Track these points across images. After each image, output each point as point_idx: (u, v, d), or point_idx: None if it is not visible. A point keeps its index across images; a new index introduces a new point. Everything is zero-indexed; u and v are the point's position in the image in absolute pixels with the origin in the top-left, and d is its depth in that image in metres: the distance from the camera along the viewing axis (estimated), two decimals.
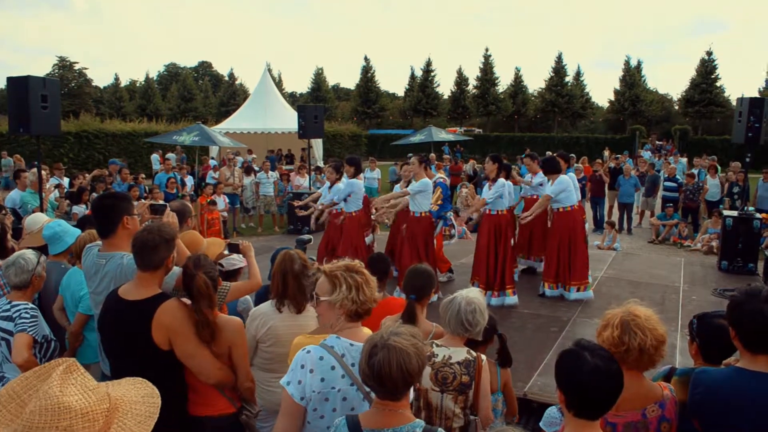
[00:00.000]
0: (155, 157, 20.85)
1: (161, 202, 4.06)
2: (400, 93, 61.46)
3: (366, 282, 2.53)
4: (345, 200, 8.31)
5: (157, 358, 2.93)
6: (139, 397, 1.63)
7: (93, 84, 62.27)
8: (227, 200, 13.69)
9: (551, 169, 8.09)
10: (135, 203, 3.80)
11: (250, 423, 3.20)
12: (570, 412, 2.11)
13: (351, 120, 48.21)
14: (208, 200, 12.10)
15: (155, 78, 65.60)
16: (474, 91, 52.28)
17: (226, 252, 4.28)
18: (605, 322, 2.52)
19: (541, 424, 2.62)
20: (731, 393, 2.33)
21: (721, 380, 2.41)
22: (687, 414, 2.47)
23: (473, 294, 3.19)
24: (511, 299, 7.71)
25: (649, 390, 2.51)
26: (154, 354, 2.93)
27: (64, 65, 58.14)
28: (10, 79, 7.32)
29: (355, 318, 2.54)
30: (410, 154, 7.96)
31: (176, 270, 3.36)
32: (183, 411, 3.09)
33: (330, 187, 8.62)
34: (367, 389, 2.40)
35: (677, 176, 15.78)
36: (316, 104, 12.72)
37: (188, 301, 3.07)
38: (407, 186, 8.11)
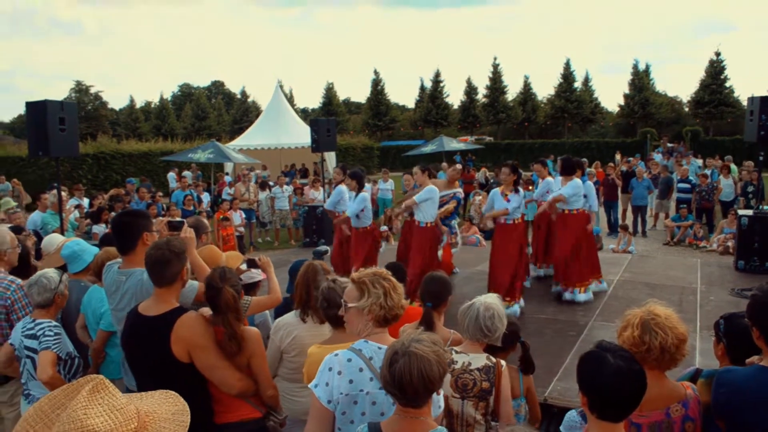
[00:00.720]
0: (172, 175, 21.06)
1: (179, 219, 4.12)
2: (411, 104, 61.62)
3: (393, 288, 2.55)
4: (357, 216, 8.34)
5: (179, 371, 2.96)
6: (169, 414, 1.62)
7: (109, 106, 63.00)
8: (243, 215, 13.78)
9: (569, 170, 8.12)
10: (153, 220, 3.87)
11: (276, 429, 3.23)
12: (593, 414, 2.10)
13: (362, 133, 48.37)
14: (222, 217, 12.18)
15: (169, 98, 66.29)
16: (484, 100, 52.20)
17: (243, 267, 4.34)
18: (625, 323, 2.51)
19: (561, 427, 2.61)
20: (756, 391, 2.31)
21: (745, 379, 2.38)
22: (712, 415, 2.46)
23: (491, 299, 3.20)
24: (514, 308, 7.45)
25: (671, 389, 2.49)
26: (175, 368, 2.96)
27: (81, 89, 58.90)
28: (29, 104, 7.46)
29: (383, 324, 2.56)
30: (415, 168, 7.96)
31: (194, 284, 3.41)
32: (209, 422, 3.12)
33: (334, 187, 8.78)
34: None
35: (690, 177, 15.69)
36: (328, 118, 12.80)
37: (207, 312, 3.11)
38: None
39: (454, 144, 27.11)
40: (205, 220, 5.04)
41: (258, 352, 3.15)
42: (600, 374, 2.07)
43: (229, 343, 3.01)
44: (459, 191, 9.10)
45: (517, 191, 7.57)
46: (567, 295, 7.85)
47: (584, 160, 17.45)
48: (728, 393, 2.38)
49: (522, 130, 52.04)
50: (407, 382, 2.05)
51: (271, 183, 16.79)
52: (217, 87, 75.51)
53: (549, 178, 9.04)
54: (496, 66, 52.41)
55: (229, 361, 3.05)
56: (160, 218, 4.40)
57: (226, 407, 3.15)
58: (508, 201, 7.53)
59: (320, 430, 2.47)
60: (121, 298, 3.44)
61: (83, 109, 54.51)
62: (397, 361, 2.08)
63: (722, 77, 45.88)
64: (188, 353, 2.98)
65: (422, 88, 55.16)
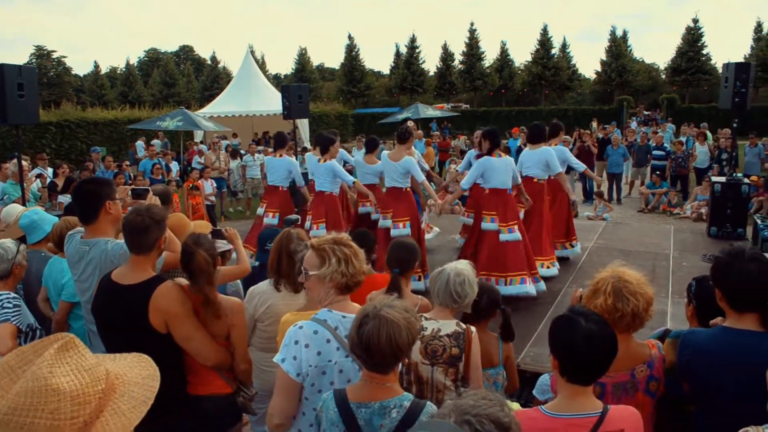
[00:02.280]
0: (140, 144, 20.67)
1: (143, 186, 3.99)
2: (386, 71, 61.00)
3: (355, 254, 2.51)
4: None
5: (155, 341, 2.89)
6: (139, 378, 1.56)
7: (72, 72, 61.30)
8: (214, 184, 13.57)
9: (536, 138, 7.54)
10: (117, 188, 3.75)
11: (246, 405, 3.20)
12: (564, 378, 2.10)
13: (337, 100, 47.85)
14: (191, 186, 11.97)
15: (136, 64, 64.70)
16: (460, 66, 51.93)
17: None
18: (594, 288, 2.51)
19: (534, 391, 2.61)
20: (718, 352, 2.35)
21: (708, 340, 2.43)
22: (677, 375, 2.48)
23: (462, 265, 3.17)
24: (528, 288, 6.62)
25: (637, 351, 2.53)
26: (151, 337, 2.90)
27: (42, 54, 57.14)
28: None
29: (345, 291, 2.52)
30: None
31: (162, 255, 3.33)
32: (182, 392, 3.11)
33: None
34: None
35: (665, 144, 15.79)
36: (300, 84, 12.53)
37: (184, 282, 3.05)
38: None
39: (429, 111, 26.95)
40: (171, 190, 4.91)
41: (239, 324, 3.12)
42: (572, 338, 2.06)
43: (205, 309, 2.95)
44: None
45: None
46: (542, 271, 7.08)
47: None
48: (691, 354, 2.42)
49: (499, 97, 51.94)
50: (375, 345, 2.03)
51: (242, 151, 16.54)
52: (186, 52, 73.68)
53: (471, 150, 8.70)
54: (472, 32, 52.05)
55: (207, 331, 3.01)
56: (123, 186, 4.28)
57: (199, 379, 3.13)
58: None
59: (287, 403, 2.43)
60: (85, 269, 3.36)
61: (45, 75, 52.98)
62: (367, 323, 2.06)
63: (699, 44, 46.22)
64: (166, 323, 2.93)
65: (397, 54, 54.59)
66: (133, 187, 4.09)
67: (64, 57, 65.51)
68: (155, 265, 3.15)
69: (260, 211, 8.62)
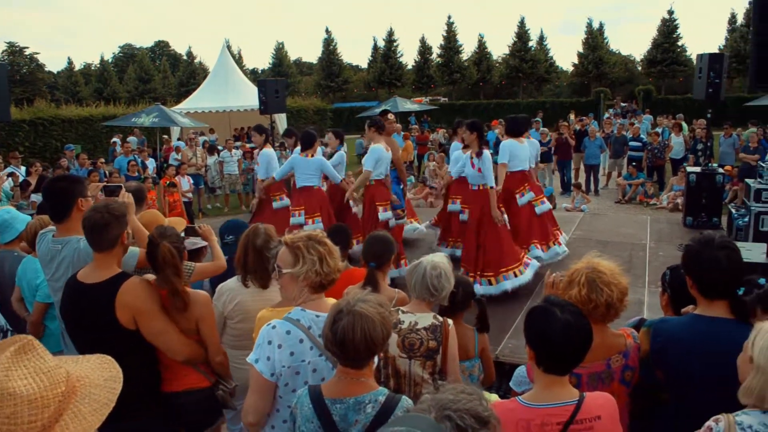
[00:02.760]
0: (116, 141, 20.39)
1: (116, 184, 3.93)
2: (364, 65, 60.82)
3: (329, 252, 2.48)
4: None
5: (124, 339, 2.87)
6: (101, 380, 1.53)
7: (46, 69, 60.22)
8: (191, 181, 13.45)
9: (514, 132, 7.37)
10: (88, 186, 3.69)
11: (226, 398, 3.17)
12: (540, 368, 2.12)
13: (315, 94, 47.60)
14: (168, 182, 11.85)
15: (111, 60, 63.75)
16: (438, 59, 51.92)
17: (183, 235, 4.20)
18: (569, 279, 2.52)
19: (511, 383, 2.62)
20: (689, 339, 2.38)
21: (680, 328, 2.45)
22: (650, 364, 2.50)
23: (438, 258, 3.16)
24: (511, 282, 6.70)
25: (613, 341, 2.54)
26: (120, 335, 2.87)
27: (14, 51, 55.96)
28: None
29: (319, 289, 2.50)
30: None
31: (135, 250, 3.31)
32: (155, 390, 3.08)
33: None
34: None
35: (641, 136, 15.95)
36: (277, 78, 12.43)
37: (151, 278, 3.01)
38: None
39: (408, 105, 26.92)
40: (145, 187, 4.83)
41: (207, 316, 3.09)
42: (548, 328, 2.08)
43: (173, 301, 2.92)
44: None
45: (480, 155, 6.58)
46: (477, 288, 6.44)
47: (536, 120, 17.63)
48: (663, 342, 2.45)
49: (477, 90, 52.07)
50: (349, 340, 2.01)
51: (220, 147, 16.40)
52: (162, 48, 72.60)
53: (455, 143, 8.59)
54: (450, 25, 51.97)
55: (177, 325, 2.98)
56: (95, 183, 4.21)
57: (173, 375, 3.10)
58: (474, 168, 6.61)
59: (262, 402, 2.44)
60: (57, 268, 3.31)
61: (18, 72, 51.88)
62: (341, 319, 2.04)
63: (675, 36, 46.66)
64: (134, 320, 2.89)
65: (375, 48, 54.42)
66: (105, 184, 4.02)
67: (37, 53, 64.28)
68: (120, 262, 3.10)
69: (298, 219, 7.53)
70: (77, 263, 3.20)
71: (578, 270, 2.50)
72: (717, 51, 19.44)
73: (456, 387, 1.57)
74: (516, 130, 7.42)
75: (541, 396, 2.10)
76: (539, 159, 8.49)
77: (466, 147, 7.41)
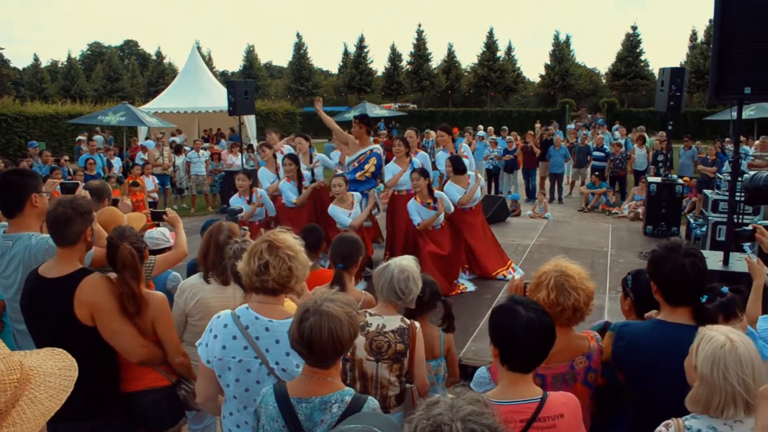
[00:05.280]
0: (82, 140, 19.99)
1: (74, 181, 3.85)
2: (334, 70, 60.74)
3: (280, 260, 2.36)
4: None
5: (83, 336, 2.81)
6: (55, 369, 1.51)
7: (11, 65, 58.68)
8: (156, 181, 13.23)
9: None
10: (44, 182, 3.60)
11: (188, 399, 3.11)
12: (504, 366, 2.13)
13: (285, 98, 47.35)
14: (131, 182, 11.64)
15: (78, 58, 62.51)
16: (408, 67, 52.19)
17: (159, 231, 4.18)
18: (537, 281, 2.53)
19: (471, 384, 2.63)
20: (651, 344, 2.40)
21: (642, 332, 2.48)
22: (612, 366, 2.54)
23: (406, 262, 3.15)
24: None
25: (577, 343, 2.57)
26: (79, 332, 2.80)
27: None
28: None
29: (266, 293, 2.43)
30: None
31: (90, 251, 3.21)
32: (116, 389, 3.02)
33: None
34: (273, 366, 2.37)
35: (605, 146, 16.26)
36: (246, 80, 12.34)
37: (113, 275, 2.95)
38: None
39: (377, 110, 26.99)
40: (108, 185, 4.74)
41: (162, 318, 3.02)
42: (512, 326, 2.10)
43: (128, 304, 2.85)
44: (376, 147, 7.99)
45: (435, 199, 6.82)
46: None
47: (504, 128, 17.85)
48: (626, 346, 2.47)
49: (446, 98, 52.45)
50: (317, 340, 1.99)
51: (187, 147, 16.21)
52: (131, 47, 71.50)
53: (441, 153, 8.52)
54: (420, 33, 52.33)
55: (133, 326, 2.91)
56: (52, 180, 4.13)
57: (132, 374, 3.04)
58: (433, 209, 6.79)
59: (205, 385, 2.53)
60: (8, 265, 3.20)
61: None
62: (308, 318, 2.02)
63: (638, 50, 47.73)
64: (92, 317, 2.82)
65: (346, 53, 54.45)
66: (62, 181, 3.93)
67: (2, 48, 62.39)
68: (83, 259, 3.04)
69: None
70: (29, 260, 3.12)
71: (546, 273, 2.52)
72: (679, 65, 19.96)
73: (465, 395, 1.58)
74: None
75: (505, 393, 2.12)
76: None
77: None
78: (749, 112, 19.17)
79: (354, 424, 1.37)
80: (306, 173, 7.88)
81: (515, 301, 2.20)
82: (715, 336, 1.98)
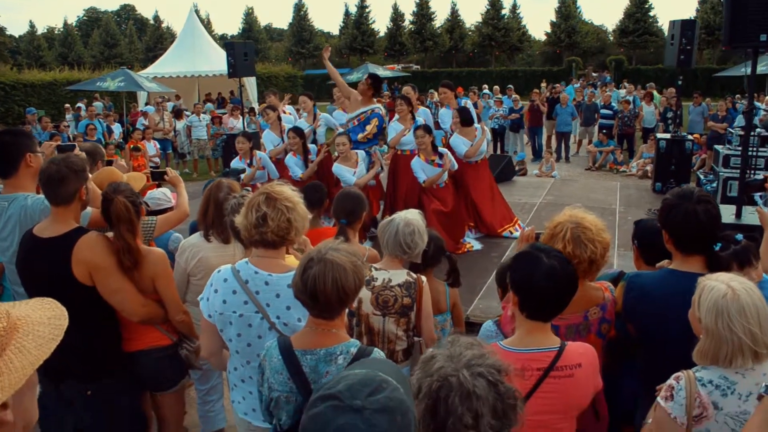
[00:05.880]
0: (81, 106, 19.86)
1: (70, 143, 3.77)
2: (335, 31, 59.95)
3: (278, 211, 2.30)
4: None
5: (82, 295, 2.75)
6: (44, 318, 1.44)
7: (7, 33, 58.14)
8: (158, 146, 13.12)
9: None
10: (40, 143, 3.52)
11: (190, 358, 3.08)
12: (523, 314, 2.07)
13: (285, 61, 46.83)
14: (132, 147, 11.56)
15: (75, 24, 61.89)
16: (410, 27, 51.44)
17: (160, 191, 4.15)
18: (552, 232, 2.43)
19: (478, 337, 2.57)
20: (662, 294, 2.34)
21: (653, 282, 2.42)
22: (622, 318, 2.47)
23: (411, 215, 3.08)
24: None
25: (591, 294, 2.50)
26: (77, 292, 2.75)
27: None
28: None
29: (266, 246, 2.37)
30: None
31: (87, 211, 3.16)
32: (117, 349, 2.99)
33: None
34: (274, 320, 2.32)
35: (612, 104, 16.00)
36: (245, 41, 12.13)
37: (110, 234, 2.89)
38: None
39: (380, 72, 26.64)
40: (101, 148, 4.66)
41: (162, 274, 2.97)
42: (534, 274, 2.03)
43: (124, 258, 2.79)
44: (378, 107, 7.67)
45: (441, 155, 6.73)
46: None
47: (510, 86, 17.59)
48: (636, 296, 2.42)
49: (449, 58, 51.75)
50: (320, 290, 1.92)
51: (187, 112, 16.05)
52: (128, 11, 70.72)
53: (443, 110, 8.56)
54: None
55: (133, 284, 2.86)
56: (48, 142, 4.05)
57: (132, 334, 3.01)
58: (438, 166, 6.69)
59: (208, 340, 2.52)
60: (4, 226, 3.14)
61: None
62: (312, 267, 1.94)
63: (646, 6, 46.82)
64: (90, 276, 2.77)
65: (347, 14, 53.62)
66: (58, 143, 3.85)
67: None
68: (79, 218, 2.97)
69: None
70: (24, 221, 3.06)
71: (562, 224, 2.41)
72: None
73: (460, 340, 1.54)
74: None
75: (523, 341, 2.07)
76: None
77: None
78: (761, 68, 18.78)
79: (359, 368, 1.30)
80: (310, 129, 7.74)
81: (537, 248, 2.12)
82: (716, 285, 1.91)
